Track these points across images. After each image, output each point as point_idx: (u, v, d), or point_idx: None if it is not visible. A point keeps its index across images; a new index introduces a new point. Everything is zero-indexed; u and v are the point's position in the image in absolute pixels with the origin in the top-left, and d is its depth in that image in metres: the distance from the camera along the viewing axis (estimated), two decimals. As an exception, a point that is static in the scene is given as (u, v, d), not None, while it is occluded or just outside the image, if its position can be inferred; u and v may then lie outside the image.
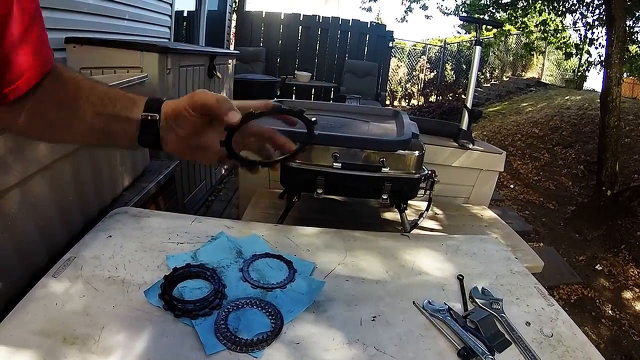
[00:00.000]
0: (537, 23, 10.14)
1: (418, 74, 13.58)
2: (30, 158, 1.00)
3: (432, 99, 12.33)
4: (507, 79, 13.29)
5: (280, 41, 8.66)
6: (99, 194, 1.38)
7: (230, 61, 3.93)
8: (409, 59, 13.76)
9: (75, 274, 1.01)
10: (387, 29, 9.26)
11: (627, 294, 3.57)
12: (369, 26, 9.06)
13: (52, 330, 0.82)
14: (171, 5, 4.88)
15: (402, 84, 13.56)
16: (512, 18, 9.64)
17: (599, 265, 3.91)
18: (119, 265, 1.07)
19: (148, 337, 0.85)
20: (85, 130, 0.74)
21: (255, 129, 0.76)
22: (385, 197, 1.56)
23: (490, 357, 0.87)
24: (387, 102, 12.07)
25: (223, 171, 4.15)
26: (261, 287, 1.04)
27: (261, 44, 8.47)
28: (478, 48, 2.34)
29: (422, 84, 13.30)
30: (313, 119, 0.76)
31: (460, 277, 1.19)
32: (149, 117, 0.73)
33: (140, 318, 0.90)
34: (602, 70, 5.46)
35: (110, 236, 1.20)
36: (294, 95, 8.05)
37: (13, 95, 0.65)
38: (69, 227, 1.21)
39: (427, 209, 1.76)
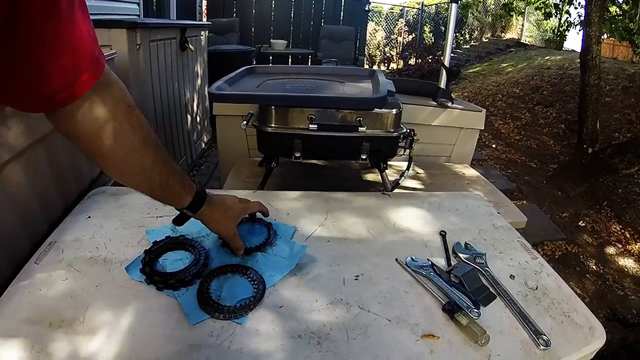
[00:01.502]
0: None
1: (396, 37, 13.44)
2: (3, 144, 0.96)
3: (412, 62, 12.26)
4: (487, 40, 13.24)
5: (254, 10, 8.51)
6: (77, 176, 1.35)
7: (202, 33, 3.85)
8: (386, 22, 13.60)
9: (57, 258, 1.00)
10: (362, -7, 9.15)
11: (610, 250, 3.63)
12: (344, -10, 8.94)
13: (38, 317, 0.81)
14: (138, -20, 4.76)
15: (381, 47, 13.44)
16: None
17: (582, 221, 3.97)
18: (99, 245, 1.05)
19: (133, 312, 0.84)
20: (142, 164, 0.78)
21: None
22: (364, 157, 1.54)
23: (476, 310, 0.87)
24: (366, 66, 11.98)
25: (203, 145, 4.11)
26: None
27: (234, 15, 8.32)
28: (454, 5, 2.30)
29: (401, 48, 13.18)
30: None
31: (442, 232, 1.18)
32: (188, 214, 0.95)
33: (124, 295, 0.89)
34: (582, 31, 5.45)
35: (89, 217, 1.18)
36: (270, 63, 7.96)
37: (66, 101, 0.63)
38: (48, 213, 1.19)
39: (407, 168, 1.75)
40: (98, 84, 0.66)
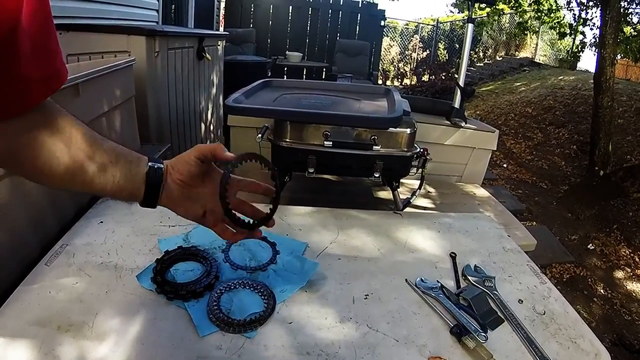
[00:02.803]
0: (531, 2, 10.08)
1: (410, 54, 13.48)
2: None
3: (425, 78, 12.28)
4: (500, 58, 13.22)
5: (270, 22, 8.55)
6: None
7: (219, 43, 3.88)
8: (401, 38, 13.66)
9: (68, 261, 1.01)
10: (378, 8, 9.18)
11: (619, 274, 3.60)
12: (360, 5, 8.95)
13: (47, 319, 0.82)
14: (158, -13, 4.82)
15: (395, 63, 13.47)
16: (506, -3, 9.58)
17: (591, 244, 3.94)
18: (111, 251, 1.06)
19: (142, 321, 0.85)
20: (77, 166, 0.67)
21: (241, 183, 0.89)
22: (377, 175, 1.55)
23: (483, 334, 0.87)
24: (380, 82, 12.00)
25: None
26: (242, 269, 1.04)
27: (251, 25, 8.37)
28: (470, 26, 2.31)
29: (415, 64, 13.22)
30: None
31: (452, 254, 1.19)
32: (156, 166, 0.76)
33: (134, 302, 0.90)
34: (596, 51, 5.44)
35: (101, 222, 1.19)
36: (285, 76, 7.99)
37: (18, 108, 0.59)
38: (60, 216, 1.20)
39: (419, 187, 1.76)
40: (45, 103, 0.63)
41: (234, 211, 0.82)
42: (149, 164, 0.76)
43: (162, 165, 0.77)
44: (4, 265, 0.96)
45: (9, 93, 0.56)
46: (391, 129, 1.53)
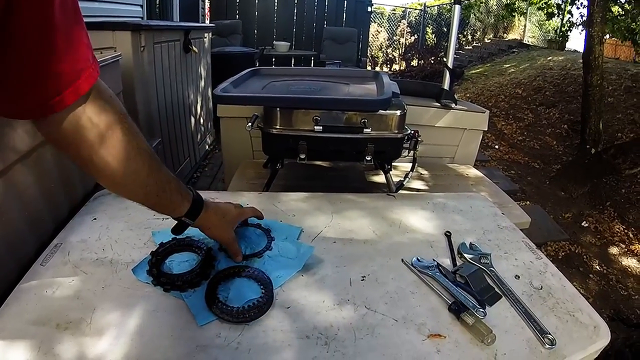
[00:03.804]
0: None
1: (399, 39, 13.43)
2: (9, 146, 0.97)
3: (414, 63, 12.26)
4: (489, 41, 13.24)
5: (257, 12, 8.52)
6: (83, 177, 1.35)
7: (206, 35, 3.86)
8: (389, 23, 13.59)
9: (63, 259, 1.00)
10: (365, -5, 9.16)
11: (614, 250, 3.63)
12: (346, -8, 8.95)
13: (45, 318, 0.82)
14: (141, -18, 4.77)
15: (383, 49, 13.42)
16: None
17: (585, 222, 3.97)
18: (106, 247, 1.06)
19: (140, 313, 0.85)
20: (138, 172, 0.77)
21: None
22: (368, 158, 1.55)
23: (481, 310, 0.88)
24: (369, 68, 11.98)
25: (207, 147, 4.12)
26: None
27: (237, 17, 8.33)
28: (457, 7, 2.30)
29: (404, 49, 13.18)
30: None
31: (447, 233, 1.19)
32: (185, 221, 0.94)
33: (131, 296, 0.89)
34: (584, 31, 5.44)
35: (95, 219, 1.19)
36: (273, 66, 7.98)
37: (59, 107, 0.61)
38: (55, 214, 1.19)
39: (412, 169, 1.76)
40: (90, 92, 0.65)
41: None
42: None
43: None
44: (2, 266, 0.95)
45: (41, 92, 0.58)
46: (381, 112, 1.52)
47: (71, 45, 0.58)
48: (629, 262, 3.47)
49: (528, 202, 4.19)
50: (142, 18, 4.87)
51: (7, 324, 0.80)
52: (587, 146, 5.09)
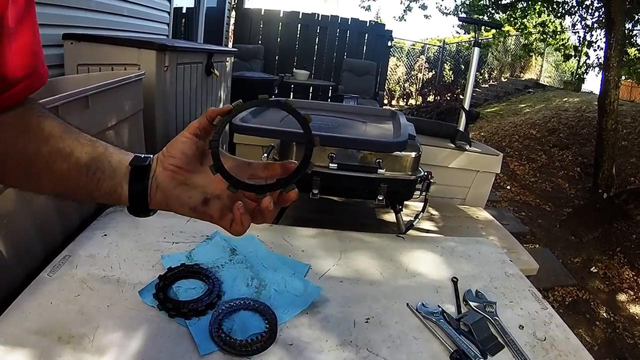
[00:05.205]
0: (536, 24, 10.14)
1: (416, 74, 13.54)
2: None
3: (430, 98, 12.29)
4: (506, 79, 13.27)
5: (279, 39, 8.62)
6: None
7: (228, 59, 3.92)
8: (407, 58, 13.73)
9: (70, 272, 1.01)
10: (386, 28, 9.23)
11: (622, 297, 3.57)
12: (368, 25, 9.02)
13: (48, 329, 0.83)
14: (170, 1, 4.86)
15: (401, 83, 13.52)
16: (512, 19, 9.61)
17: (594, 267, 3.92)
18: (114, 264, 1.07)
19: (142, 336, 0.85)
20: (67, 168, 0.60)
21: (252, 166, 0.65)
22: (380, 198, 1.56)
23: (483, 360, 0.87)
24: (385, 102, 12.05)
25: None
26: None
27: (260, 42, 8.44)
28: (477, 49, 2.34)
29: (421, 84, 13.25)
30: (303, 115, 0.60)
31: (454, 279, 1.19)
32: (143, 155, 0.63)
33: (135, 318, 0.90)
34: (601, 73, 5.46)
35: (105, 235, 1.20)
36: (291, 94, 8.05)
37: (9, 102, 0.58)
38: (65, 225, 1.21)
39: (422, 210, 1.76)
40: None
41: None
42: (135, 155, 0.64)
43: (150, 155, 0.64)
44: (9, 272, 0.96)
45: None
46: (396, 153, 1.54)
47: (19, 53, 0.57)
48: (637, 309, 3.41)
49: (537, 245, 4.16)
50: (167, 36, 4.95)
51: (9, 330, 0.81)
52: (600, 190, 5.05)
